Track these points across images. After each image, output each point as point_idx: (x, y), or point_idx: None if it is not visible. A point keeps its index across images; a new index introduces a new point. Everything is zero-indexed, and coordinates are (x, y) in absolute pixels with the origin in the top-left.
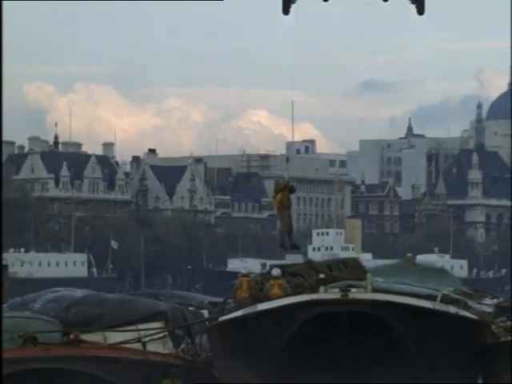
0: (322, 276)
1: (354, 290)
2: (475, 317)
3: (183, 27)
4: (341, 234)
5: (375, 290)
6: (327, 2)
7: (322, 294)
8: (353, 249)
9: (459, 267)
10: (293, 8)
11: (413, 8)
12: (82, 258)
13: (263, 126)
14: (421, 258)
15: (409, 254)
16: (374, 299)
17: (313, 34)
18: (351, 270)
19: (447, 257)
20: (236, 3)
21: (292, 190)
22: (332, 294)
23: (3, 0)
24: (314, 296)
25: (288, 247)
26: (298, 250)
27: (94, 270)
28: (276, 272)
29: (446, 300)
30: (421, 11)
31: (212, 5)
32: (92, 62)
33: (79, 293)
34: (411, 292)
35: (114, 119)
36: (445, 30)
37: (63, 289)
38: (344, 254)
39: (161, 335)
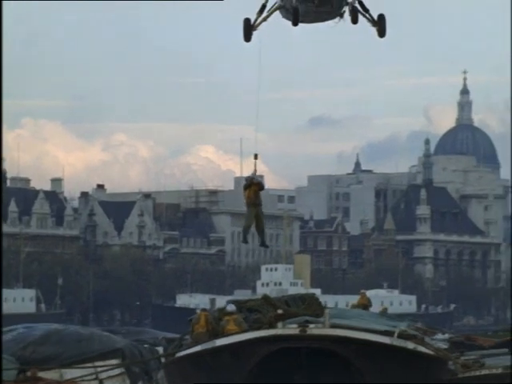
0: (280, 311)
1: (312, 325)
2: (433, 353)
3: (131, 63)
4: (289, 269)
5: (333, 326)
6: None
7: (280, 330)
8: (302, 284)
9: (408, 303)
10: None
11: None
12: (30, 293)
13: (211, 162)
14: (370, 294)
15: (362, 291)
16: (332, 335)
17: (265, 68)
18: (308, 305)
19: (396, 292)
20: (182, 38)
21: (259, 186)
22: (290, 329)
23: (3, 0)
24: (272, 331)
25: (246, 241)
26: (266, 247)
27: (43, 305)
28: (230, 308)
29: (403, 336)
30: (382, 34)
31: (159, 40)
32: (40, 97)
33: (38, 330)
34: (369, 328)
35: (62, 154)
36: (393, 66)
37: (22, 326)
38: (293, 290)
39: (118, 372)
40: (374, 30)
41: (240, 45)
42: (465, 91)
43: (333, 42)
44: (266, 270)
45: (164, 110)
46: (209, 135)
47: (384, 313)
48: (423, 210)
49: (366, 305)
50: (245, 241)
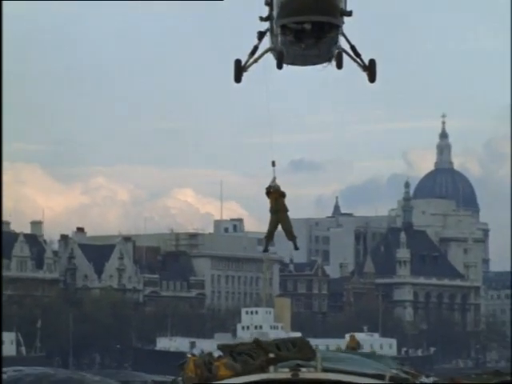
0: (271, 355)
1: (304, 369)
2: None
3: (110, 107)
4: (270, 312)
5: (325, 370)
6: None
7: (272, 374)
8: (282, 328)
9: (388, 346)
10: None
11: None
12: (10, 336)
13: (190, 205)
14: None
15: (351, 334)
16: (324, 379)
17: (246, 111)
18: (299, 349)
19: (376, 335)
20: (160, 83)
21: (278, 193)
22: (283, 373)
23: (3, 0)
24: (264, 375)
25: (265, 249)
26: (266, 252)
27: (23, 348)
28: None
29: (394, 379)
30: (372, 79)
31: (137, 85)
32: (18, 140)
33: (29, 375)
34: (360, 371)
35: (41, 198)
36: (373, 110)
37: (12, 369)
38: (273, 333)
39: None
40: (356, 75)
41: (217, 88)
42: (444, 135)
43: (314, 85)
44: (247, 313)
45: (142, 154)
46: (187, 179)
47: (373, 355)
48: (403, 254)
49: (355, 347)
50: (264, 249)
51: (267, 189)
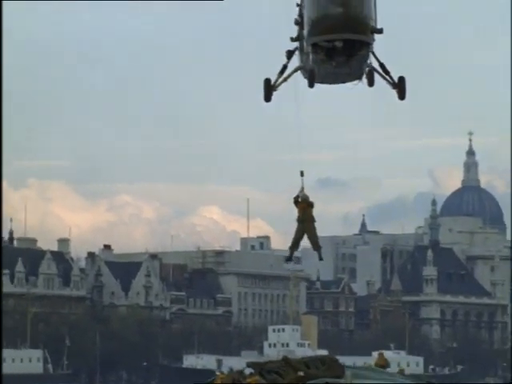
0: (301, 373)
1: None
2: None
3: (136, 125)
4: (297, 330)
5: None
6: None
7: None
8: (309, 345)
9: (415, 364)
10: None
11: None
12: (37, 354)
13: (216, 222)
14: (376, 355)
15: (380, 351)
16: None
17: (272, 128)
18: (328, 367)
19: (403, 353)
20: (186, 100)
21: (306, 203)
22: None
23: (3, 0)
24: None
25: (289, 259)
26: (290, 261)
27: (50, 366)
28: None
29: None
30: (402, 96)
31: (163, 102)
32: (45, 157)
33: None
34: None
35: (68, 215)
36: (399, 128)
37: None
38: (300, 351)
39: None
40: (382, 93)
41: (243, 105)
42: (471, 152)
43: (341, 103)
44: (273, 330)
45: (168, 171)
46: (213, 196)
47: (402, 373)
48: (430, 271)
49: (383, 365)
50: (288, 259)
51: (295, 198)
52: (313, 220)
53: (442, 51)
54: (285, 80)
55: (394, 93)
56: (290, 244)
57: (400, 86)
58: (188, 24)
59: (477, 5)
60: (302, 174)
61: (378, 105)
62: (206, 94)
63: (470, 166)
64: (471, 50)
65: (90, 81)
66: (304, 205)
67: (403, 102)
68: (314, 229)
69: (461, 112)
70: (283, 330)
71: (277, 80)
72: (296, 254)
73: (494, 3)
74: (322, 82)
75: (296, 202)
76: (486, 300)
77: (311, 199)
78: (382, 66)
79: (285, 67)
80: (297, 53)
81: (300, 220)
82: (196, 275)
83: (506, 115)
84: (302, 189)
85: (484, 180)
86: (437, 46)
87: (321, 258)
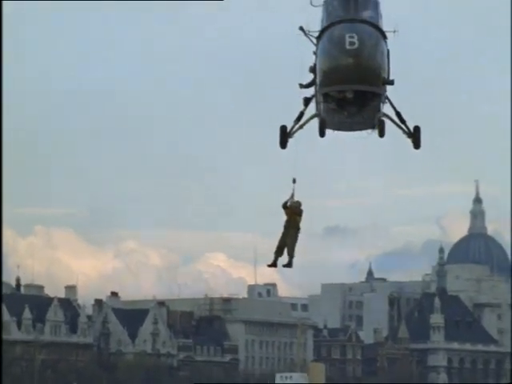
0: None
1: None
2: None
3: (142, 171)
4: (304, 377)
5: None
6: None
7: None
8: None
9: None
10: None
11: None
12: None
13: (222, 270)
14: None
15: None
16: None
17: (280, 174)
18: None
19: None
20: (192, 145)
21: (292, 210)
22: None
23: (3, 0)
24: None
25: (271, 264)
26: (273, 267)
27: None
28: None
29: None
30: (417, 145)
31: (170, 147)
32: (51, 205)
33: None
34: None
35: (75, 262)
36: (407, 175)
37: None
38: None
39: None
40: (391, 141)
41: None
42: (477, 200)
43: (350, 149)
44: (281, 377)
45: (174, 218)
46: (219, 242)
47: None
48: (437, 319)
49: None
50: (272, 264)
51: (284, 203)
52: (297, 228)
53: (450, 99)
54: (301, 127)
55: (402, 140)
56: (298, 295)
57: (415, 136)
58: (200, 65)
59: (485, 58)
60: (294, 181)
61: (385, 152)
62: (217, 140)
63: (477, 213)
64: (479, 98)
65: (95, 127)
66: (290, 211)
67: (411, 149)
68: (294, 237)
69: (468, 160)
70: (291, 377)
71: (293, 127)
72: (303, 301)
73: (503, 56)
74: (337, 130)
75: (285, 207)
76: (493, 348)
77: (319, 246)
78: (398, 114)
79: (301, 114)
80: (314, 100)
81: (285, 226)
82: (203, 322)
83: None
84: (292, 195)
85: (491, 228)
86: (445, 94)
87: (290, 265)
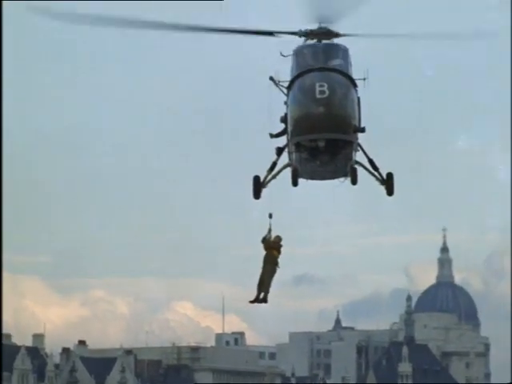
0: None
1: None
2: None
3: (109, 219)
4: None
5: None
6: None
7: None
8: None
9: None
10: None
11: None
12: None
13: (190, 318)
14: None
15: None
16: None
17: (254, 224)
18: None
19: None
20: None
21: (269, 246)
22: None
23: (3, 0)
24: None
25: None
26: (257, 303)
27: None
28: None
29: None
30: (390, 192)
31: (136, 196)
32: (17, 253)
33: None
34: None
35: (42, 310)
36: (374, 224)
37: None
38: None
39: None
40: (357, 188)
41: (219, 199)
42: (445, 249)
43: (317, 198)
44: None
45: (141, 266)
46: (187, 291)
47: None
48: (405, 367)
49: None
50: (254, 300)
51: (263, 238)
52: (274, 263)
53: (417, 147)
54: (274, 177)
55: (371, 189)
56: (265, 343)
57: (388, 183)
58: (169, 113)
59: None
60: (270, 216)
61: (354, 201)
62: (187, 189)
63: (444, 262)
64: (446, 146)
65: (68, 177)
66: (268, 246)
67: (378, 198)
68: (270, 272)
69: (435, 209)
70: None
71: (266, 177)
72: (271, 350)
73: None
74: (311, 179)
75: (263, 242)
76: None
77: (287, 295)
78: (371, 162)
79: (274, 164)
80: (286, 150)
81: (264, 261)
82: (171, 371)
83: (480, 212)
84: (269, 230)
85: (458, 276)
86: (412, 143)
87: (264, 301)
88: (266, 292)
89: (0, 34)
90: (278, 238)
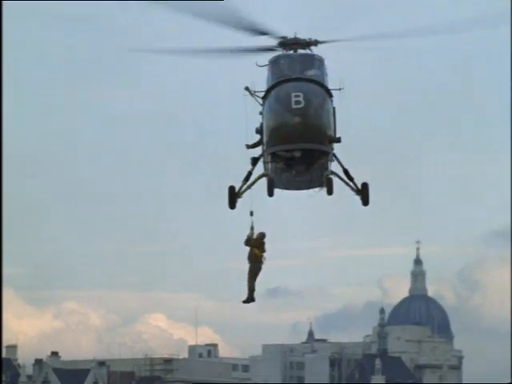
0: None
1: None
2: None
3: (83, 231)
4: None
5: None
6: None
7: None
8: None
9: None
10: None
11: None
12: None
13: (162, 330)
14: None
15: None
16: None
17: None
18: None
19: None
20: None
21: (251, 244)
22: None
23: (3, 0)
24: None
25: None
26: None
27: None
28: None
29: None
30: (366, 202)
31: (112, 208)
32: None
33: None
34: None
35: (15, 321)
36: (347, 237)
37: None
38: None
39: None
40: (330, 201)
41: (194, 210)
42: (418, 261)
43: (290, 210)
44: None
45: (114, 278)
46: (159, 303)
47: None
48: (378, 380)
49: None
50: (246, 300)
51: (246, 239)
52: (257, 262)
53: (392, 159)
54: (249, 187)
55: (345, 201)
56: (238, 355)
57: (364, 193)
58: (147, 123)
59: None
60: (251, 213)
61: (327, 214)
62: (162, 199)
63: (418, 274)
64: (420, 158)
65: (45, 189)
66: (250, 244)
67: (350, 210)
68: (254, 271)
69: (408, 221)
70: None
71: (241, 187)
72: (244, 362)
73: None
74: (286, 189)
75: (247, 244)
76: None
77: (260, 307)
78: (345, 172)
79: (249, 174)
80: (261, 160)
81: (248, 259)
82: (144, 383)
83: (454, 224)
84: (252, 228)
85: (431, 289)
86: (386, 155)
87: (251, 300)
88: (252, 290)
89: (0, 34)
90: (261, 235)
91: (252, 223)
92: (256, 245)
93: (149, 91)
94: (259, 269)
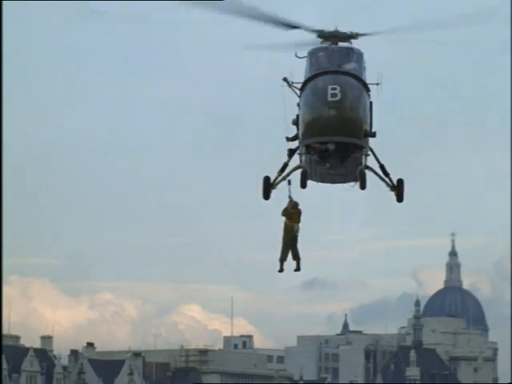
0: None
1: None
2: None
3: (119, 223)
4: None
5: None
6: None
7: None
8: None
9: None
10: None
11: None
12: None
13: (197, 321)
14: None
15: None
16: None
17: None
18: None
19: None
20: (171, 198)
21: (289, 213)
22: None
23: (3, 0)
24: None
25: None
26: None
27: None
28: None
29: None
30: (400, 199)
31: (148, 200)
32: (27, 254)
33: None
34: None
35: (50, 312)
36: (383, 228)
37: None
38: None
39: None
40: (367, 193)
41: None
42: (453, 253)
43: (327, 202)
44: None
45: (150, 269)
46: (195, 294)
47: None
48: (413, 372)
49: None
50: (279, 271)
51: (283, 210)
52: (291, 231)
53: (426, 152)
54: (284, 178)
55: (381, 194)
56: (273, 346)
57: (399, 189)
58: (184, 116)
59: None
60: (289, 182)
61: (363, 206)
62: (196, 191)
63: (453, 266)
64: (455, 150)
65: (75, 177)
66: (286, 214)
67: (388, 202)
68: (291, 241)
69: (444, 213)
70: None
71: (276, 178)
72: (279, 353)
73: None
74: (321, 182)
75: (284, 211)
76: None
77: (296, 299)
78: (382, 167)
79: (285, 165)
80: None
81: (283, 231)
82: (179, 374)
83: (489, 216)
84: (289, 196)
85: (466, 281)
86: (419, 147)
87: (298, 269)
88: (298, 259)
89: (0, 34)
90: (293, 205)
91: (290, 192)
92: (289, 214)
93: (188, 82)
94: (292, 239)
